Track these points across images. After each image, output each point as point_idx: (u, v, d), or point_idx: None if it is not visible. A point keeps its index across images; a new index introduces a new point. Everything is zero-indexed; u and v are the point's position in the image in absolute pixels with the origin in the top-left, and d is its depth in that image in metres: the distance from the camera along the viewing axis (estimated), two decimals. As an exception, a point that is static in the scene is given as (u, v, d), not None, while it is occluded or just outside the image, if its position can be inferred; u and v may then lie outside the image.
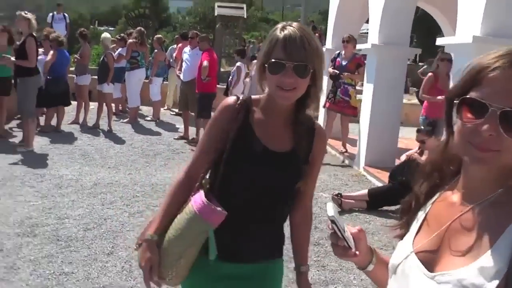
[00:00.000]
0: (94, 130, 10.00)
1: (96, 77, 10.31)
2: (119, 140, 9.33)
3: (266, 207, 1.95)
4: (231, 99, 1.99)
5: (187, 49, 10.26)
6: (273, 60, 1.79)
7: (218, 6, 18.90)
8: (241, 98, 1.98)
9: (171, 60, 12.53)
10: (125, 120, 10.98)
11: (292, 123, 1.93)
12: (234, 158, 1.90)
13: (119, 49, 11.20)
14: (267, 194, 1.92)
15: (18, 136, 8.70)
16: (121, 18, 43.83)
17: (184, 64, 10.09)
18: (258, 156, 1.89)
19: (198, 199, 1.89)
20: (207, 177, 2.00)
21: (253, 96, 2.01)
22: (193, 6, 45.53)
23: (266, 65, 1.82)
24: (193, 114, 9.49)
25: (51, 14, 14.64)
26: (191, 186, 1.97)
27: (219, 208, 1.84)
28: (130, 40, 10.82)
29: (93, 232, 5.03)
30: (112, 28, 44.07)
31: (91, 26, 41.70)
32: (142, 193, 6.38)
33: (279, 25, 1.87)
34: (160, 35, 13.48)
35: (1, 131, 8.88)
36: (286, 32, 1.79)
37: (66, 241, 4.77)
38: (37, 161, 7.50)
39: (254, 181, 1.90)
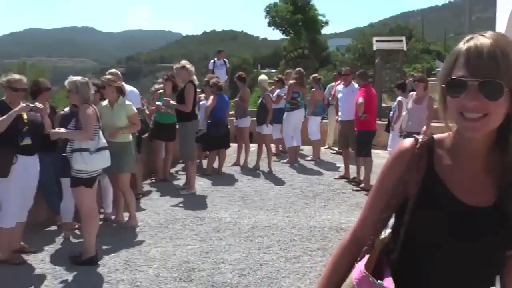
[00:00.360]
0: (254, 171, 10.04)
1: (255, 119, 10.43)
2: (279, 181, 9.22)
3: (462, 281, 1.47)
4: (408, 142, 1.54)
5: (340, 87, 9.96)
6: (451, 78, 1.35)
7: (377, 41, 18.44)
8: (420, 139, 1.52)
9: (329, 98, 12.32)
10: (284, 161, 10.91)
11: (494, 166, 1.43)
12: (419, 219, 1.45)
13: (277, 90, 11.27)
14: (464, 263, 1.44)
15: (182, 179, 9.02)
16: (281, 60, 45.21)
17: (339, 103, 9.79)
18: (451, 214, 1.42)
19: (358, 268, 1.50)
20: (382, 237, 1.55)
21: (436, 136, 1.53)
22: (352, 43, 45.53)
23: (444, 86, 1.38)
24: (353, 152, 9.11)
25: (212, 60, 15.32)
26: (357, 251, 1.58)
27: (379, 281, 1.43)
28: (291, 81, 10.82)
29: (248, 278, 4.84)
30: (274, 70, 45.61)
31: (254, 70, 43.51)
32: (299, 237, 6.10)
33: (467, 37, 1.40)
34: (316, 74, 13.37)
35: (167, 175, 9.29)
36: (471, 42, 1.35)
37: (221, 287, 4.63)
38: (198, 203, 7.63)
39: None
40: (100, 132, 5.17)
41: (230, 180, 9.36)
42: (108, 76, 6.60)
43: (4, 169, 4.83)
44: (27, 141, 5.01)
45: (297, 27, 43.05)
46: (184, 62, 8.29)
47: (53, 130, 5.13)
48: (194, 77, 8.32)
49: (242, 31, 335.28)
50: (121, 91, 6.37)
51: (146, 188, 8.66)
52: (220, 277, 4.87)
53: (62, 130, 5.06)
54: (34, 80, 6.26)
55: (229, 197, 8.06)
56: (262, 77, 11.02)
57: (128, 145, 6.38)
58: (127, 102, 6.42)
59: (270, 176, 9.64)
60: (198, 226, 6.48)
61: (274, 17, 43.58)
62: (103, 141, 5.16)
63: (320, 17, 44.30)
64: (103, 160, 5.10)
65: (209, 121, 9.52)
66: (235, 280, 4.80)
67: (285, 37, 46.88)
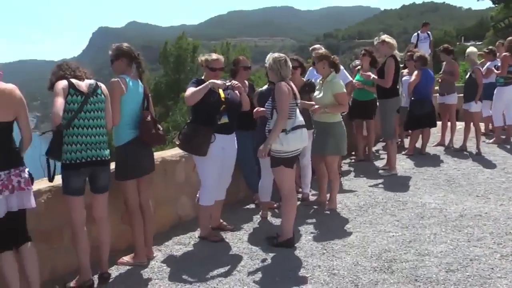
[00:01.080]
0: (460, 152, 9.19)
1: (461, 95, 9.52)
2: (489, 164, 8.30)
3: None
4: None
5: None
6: None
7: None
8: None
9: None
10: (490, 141, 9.83)
11: None
12: None
13: (488, 63, 10.15)
14: None
15: (384, 159, 8.60)
16: (489, 30, 41.45)
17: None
18: None
19: None
20: None
21: None
22: None
23: None
24: None
25: (415, 33, 14.41)
26: None
27: None
28: (505, 53, 9.65)
29: (457, 275, 4.31)
30: (479, 43, 42.05)
31: (457, 43, 40.48)
32: (517, 230, 5.34)
33: None
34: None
35: (370, 155, 8.95)
36: None
37: (425, 282, 4.19)
38: (400, 186, 7.17)
39: None
40: (297, 110, 4.98)
41: (434, 161, 8.69)
42: (321, 50, 6.42)
43: (202, 148, 4.91)
44: (225, 119, 5.01)
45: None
46: (384, 36, 7.82)
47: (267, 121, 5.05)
48: (396, 51, 7.80)
49: (443, 2, 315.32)
50: (334, 66, 6.12)
51: (345, 167, 8.43)
52: (425, 270, 4.41)
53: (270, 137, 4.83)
54: (234, 59, 6.33)
55: (433, 180, 7.44)
56: (471, 49, 9.96)
57: (336, 126, 6.09)
58: (335, 79, 6.11)
59: (479, 158, 8.74)
60: (400, 212, 6.05)
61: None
62: (299, 119, 4.95)
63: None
64: (300, 139, 4.90)
65: (412, 98, 8.92)
66: (442, 275, 4.31)
67: (493, 6, 42.54)
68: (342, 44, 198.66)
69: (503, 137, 9.99)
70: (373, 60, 8.28)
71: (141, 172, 4.69)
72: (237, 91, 5.16)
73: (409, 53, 9.62)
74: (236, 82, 5.16)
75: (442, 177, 7.62)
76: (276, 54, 5.02)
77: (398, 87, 7.83)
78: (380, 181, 7.49)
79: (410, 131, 9.53)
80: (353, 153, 9.23)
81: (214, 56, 5.22)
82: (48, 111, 4.53)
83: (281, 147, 4.78)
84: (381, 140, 10.03)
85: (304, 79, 6.52)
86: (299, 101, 5.04)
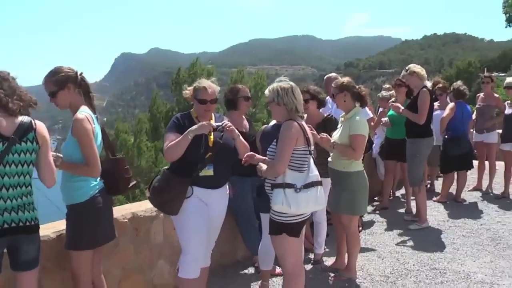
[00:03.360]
0: (503, 200, 7.86)
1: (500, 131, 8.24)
2: (539, 216, 6.98)
3: None
4: None
5: None
6: None
7: None
8: None
9: None
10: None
11: None
12: None
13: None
14: None
15: (411, 206, 7.30)
16: (513, 62, 40.16)
17: None
18: None
19: None
20: None
21: None
22: None
23: None
24: None
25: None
26: None
27: None
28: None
29: None
30: (502, 74, 40.49)
31: (480, 74, 39.12)
32: None
33: None
34: None
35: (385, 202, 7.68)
36: None
37: None
38: (434, 245, 5.85)
39: None
40: (311, 160, 3.73)
41: (472, 211, 7.37)
42: (345, 79, 4.98)
43: (175, 205, 3.73)
44: (208, 171, 3.80)
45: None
46: (412, 66, 6.57)
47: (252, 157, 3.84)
48: (427, 82, 6.56)
49: (465, 33, 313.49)
50: (360, 99, 4.80)
51: (368, 217, 7.14)
52: None
53: (263, 167, 3.72)
54: (232, 88, 5.11)
55: (475, 238, 6.12)
56: (510, 79, 8.63)
57: (353, 177, 4.74)
58: (357, 117, 4.73)
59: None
60: (438, 286, 4.73)
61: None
62: (314, 173, 3.66)
63: None
64: (315, 201, 3.58)
65: (446, 136, 7.64)
66: None
67: (519, 37, 41.04)
68: (363, 74, 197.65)
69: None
70: (409, 91, 6.99)
71: (104, 239, 3.52)
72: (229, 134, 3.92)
73: (439, 85, 8.33)
74: (229, 124, 3.85)
75: (484, 233, 6.29)
76: (281, 83, 3.79)
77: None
78: (409, 237, 6.20)
79: (441, 173, 8.25)
80: (376, 198, 7.97)
81: (205, 82, 3.94)
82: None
83: (288, 210, 3.53)
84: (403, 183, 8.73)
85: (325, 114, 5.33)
86: (312, 147, 3.81)
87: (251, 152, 3.83)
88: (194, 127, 3.68)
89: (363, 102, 4.84)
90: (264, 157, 3.74)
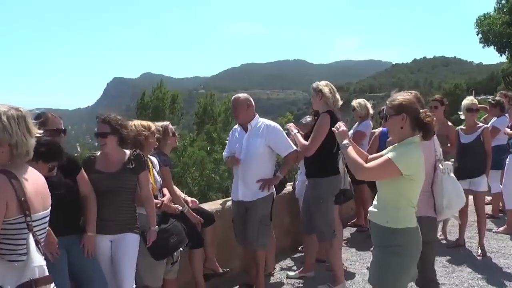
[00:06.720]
0: (455, 250, 6.74)
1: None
2: (501, 276, 5.80)
3: None
4: None
5: None
6: None
7: None
8: None
9: None
10: (501, 229, 7.44)
11: None
12: None
13: (493, 120, 7.84)
14: None
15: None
16: (499, 84, 39.85)
17: None
18: None
19: None
20: None
21: None
22: None
23: None
24: None
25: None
26: None
27: None
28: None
29: None
30: (489, 97, 40.02)
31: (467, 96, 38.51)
32: None
33: None
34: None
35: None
36: None
37: None
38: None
39: None
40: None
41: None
42: (403, 97, 3.40)
43: None
44: None
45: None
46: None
47: None
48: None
49: (454, 56, 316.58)
50: (423, 127, 3.29)
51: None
52: None
53: None
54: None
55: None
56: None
57: (398, 236, 3.36)
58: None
59: (486, 263, 6.20)
60: None
61: (486, 32, 35.61)
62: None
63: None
64: None
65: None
66: None
67: (504, 61, 40.09)
68: (353, 97, 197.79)
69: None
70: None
71: None
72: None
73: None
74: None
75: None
76: None
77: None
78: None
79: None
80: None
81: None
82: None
83: None
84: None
85: None
86: None
87: None
88: None
89: (429, 134, 3.36)
90: None
